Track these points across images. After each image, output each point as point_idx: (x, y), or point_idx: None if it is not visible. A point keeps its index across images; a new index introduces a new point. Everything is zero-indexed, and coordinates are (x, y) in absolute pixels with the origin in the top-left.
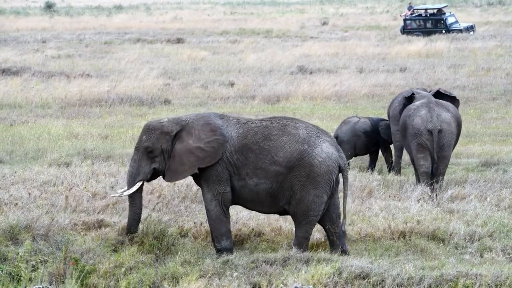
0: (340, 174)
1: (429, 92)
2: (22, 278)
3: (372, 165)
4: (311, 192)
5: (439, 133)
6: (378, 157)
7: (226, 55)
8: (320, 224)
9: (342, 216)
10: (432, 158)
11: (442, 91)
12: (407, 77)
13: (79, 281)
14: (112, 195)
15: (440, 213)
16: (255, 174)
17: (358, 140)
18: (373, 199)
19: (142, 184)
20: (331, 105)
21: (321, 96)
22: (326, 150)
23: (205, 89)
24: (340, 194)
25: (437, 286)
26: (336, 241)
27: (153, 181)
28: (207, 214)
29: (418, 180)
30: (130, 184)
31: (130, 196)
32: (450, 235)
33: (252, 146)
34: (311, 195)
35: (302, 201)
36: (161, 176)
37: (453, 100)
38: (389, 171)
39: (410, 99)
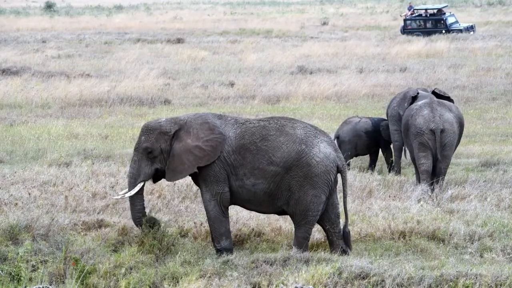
0: (339, 175)
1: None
2: (22, 278)
3: (372, 165)
4: (309, 192)
5: (441, 133)
6: (378, 157)
7: (226, 55)
8: (320, 225)
9: (344, 217)
10: (433, 157)
11: (438, 91)
12: (407, 77)
13: (79, 281)
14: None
15: (440, 213)
16: (253, 174)
17: (359, 140)
18: (373, 199)
19: (143, 185)
20: (331, 105)
21: (321, 96)
22: (324, 150)
23: (205, 89)
24: (340, 195)
25: (437, 286)
26: (336, 241)
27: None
28: (206, 214)
29: (419, 180)
30: (131, 185)
31: (131, 197)
32: (450, 235)
33: (249, 146)
34: (309, 195)
35: (301, 201)
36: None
37: (448, 100)
38: (389, 171)
39: (415, 98)
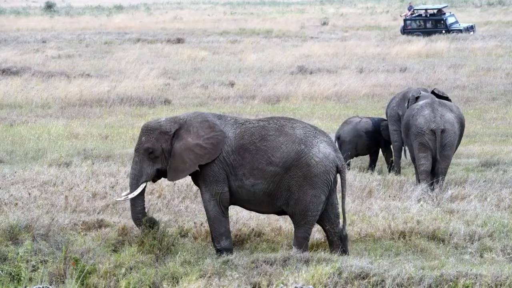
0: (339, 175)
1: None
2: (22, 278)
3: (372, 165)
4: (308, 193)
5: (442, 133)
6: (378, 157)
7: (226, 55)
8: (319, 225)
9: (342, 219)
10: (433, 157)
11: (436, 92)
12: (407, 77)
13: (79, 281)
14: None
15: (440, 213)
16: (252, 174)
17: (360, 140)
18: (373, 199)
19: (145, 186)
20: (331, 105)
21: (321, 96)
22: (323, 151)
23: (205, 89)
24: (339, 195)
25: (437, 286)
26: (336, 241)
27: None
28: (206, 214)
29: (418, 180)
30: (134, 187)
31: (132, 198)
32: (450, 235)
33: (249, 147)
34: (309, 196)
35: (300, 201)
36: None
37: (447, 100)
38: (389, 171)
39: (418, 99)
